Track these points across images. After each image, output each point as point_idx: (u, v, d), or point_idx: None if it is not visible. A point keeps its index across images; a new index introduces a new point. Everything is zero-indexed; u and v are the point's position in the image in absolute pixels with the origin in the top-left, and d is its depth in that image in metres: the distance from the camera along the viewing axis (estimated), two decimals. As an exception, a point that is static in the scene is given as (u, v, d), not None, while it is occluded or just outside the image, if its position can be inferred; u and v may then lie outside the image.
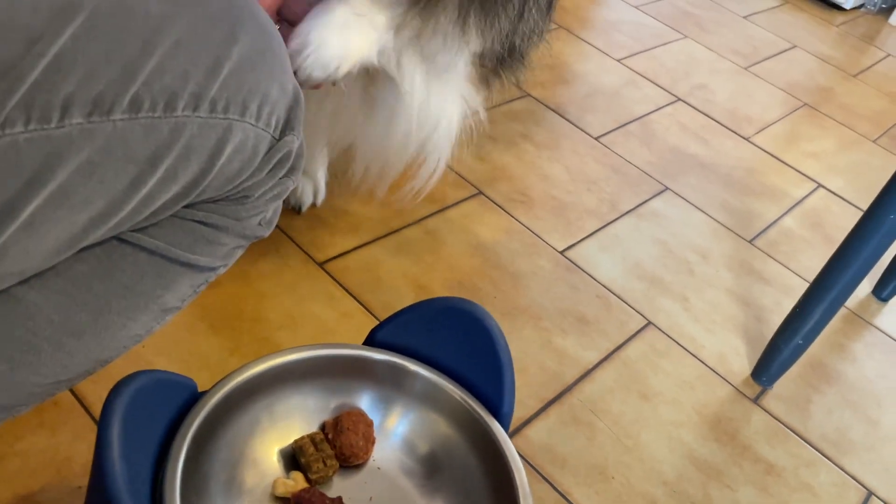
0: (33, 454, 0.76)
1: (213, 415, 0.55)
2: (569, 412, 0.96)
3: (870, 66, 2.01)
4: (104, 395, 0.50)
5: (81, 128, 0.42)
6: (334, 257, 1.08)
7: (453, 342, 0.63)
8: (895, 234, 0.88)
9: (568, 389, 0.99)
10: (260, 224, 0.56)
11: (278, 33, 0.52)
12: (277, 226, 1.10)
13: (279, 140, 0.51)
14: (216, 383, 0.57)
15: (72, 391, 0.84)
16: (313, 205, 1.14)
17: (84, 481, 0.75)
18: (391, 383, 0.62)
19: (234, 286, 1.00)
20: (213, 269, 0.56)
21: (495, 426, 0.60)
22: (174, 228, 0.52)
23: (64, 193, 0.43)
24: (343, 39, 0.64)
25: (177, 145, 0.46)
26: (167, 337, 0.92)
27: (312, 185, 1.14)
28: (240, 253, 0.57)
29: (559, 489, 0.88)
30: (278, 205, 0.57)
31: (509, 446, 0.59)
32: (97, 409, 0.81)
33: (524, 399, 0.97)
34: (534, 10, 0.78)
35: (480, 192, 1.26)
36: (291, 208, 1.12)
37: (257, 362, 0.59)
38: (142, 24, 0.43)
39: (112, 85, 0.42)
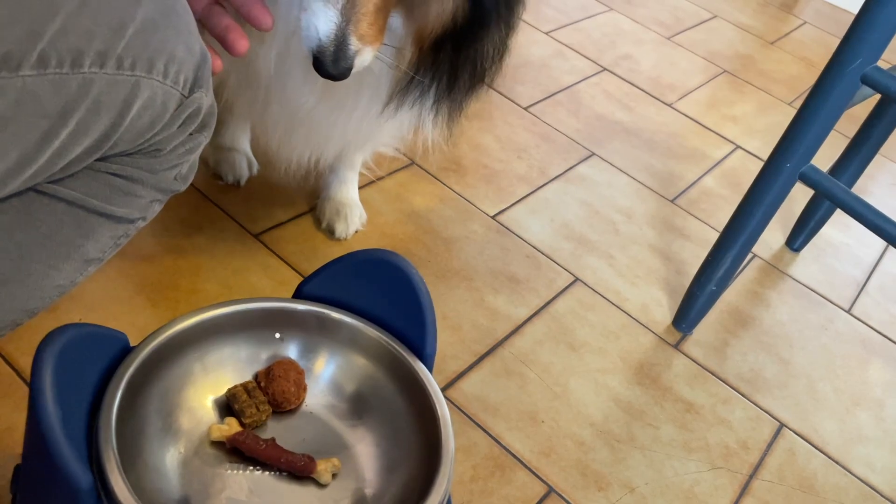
0: (-27, 425, 0.78)
1: (146, 365, 0.58)
2: (500, 364, 1.01)
3: (787, 34, 2.10)
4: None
5: None
6: (269, 228, 1.11)
7: (377, 291, 0.67)
8: (792, 182, 0.94)
9: (499, 344, 1.04)
10: (176, 179, 0.59)
11: None
12: (212, 200, 1.12)
13: (188, 97, 0.54)
14: (147, 336, 0.60)
15: (10, 364, 0.85)
16: (249, 177, 1.16)
17: (26, 449, 0.77)
18: (317, 332, 0.66)
19: (170, 259, 1.02)
20: (131, 221, 0.58)
21: (418, 365, 0.64)
22: (90, 180, 0.54)
23: None
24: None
25: (86, 100, 0.49)
26: (105, 310, 0.93)
27: (246, 159, 1.16)
28: (158, 207, 0.60)
29: (492, 434, 0.92)
30: (193, 161, 0.60)
31: (431, 383, 0.63)
32: (36, 381, 0.82)
33: (458, 354, 1.01)
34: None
35: (413, 163, 1.30)
36: (231, 184, 1.14)
37: (187, 316, 0.62)
38: None
39: (19, 43, 0.45)
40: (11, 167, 0.48)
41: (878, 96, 1.07)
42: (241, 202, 1.13)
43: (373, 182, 1.23)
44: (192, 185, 1.13)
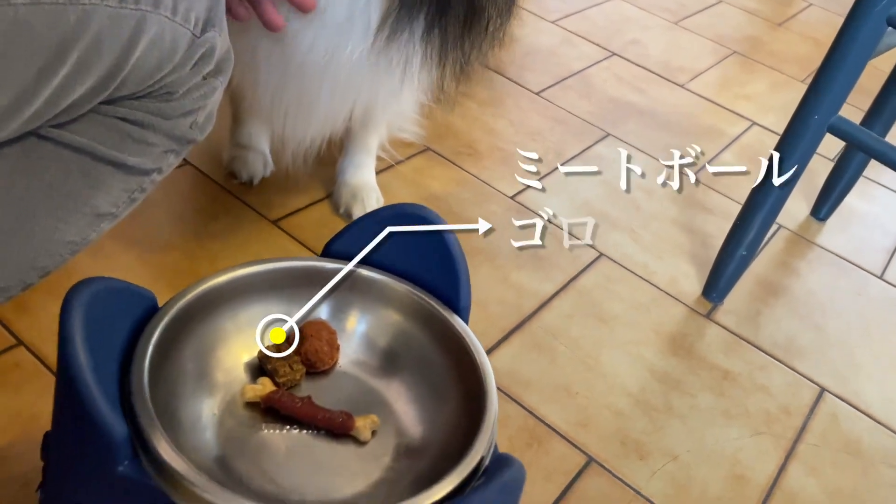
0: (-3, 412, 0.76)
1: (177, 323, 0.56)
2: (530, 339, 0.99)
3: (794, 15, 2.08)
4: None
5: None
6: (288, 215, 1.09)
7: (406, 246, 0.65)
8: (820, 135, 0.92)
9: (528, 319, 1.02)
10: (191, 127, 0.55)
11: None
12: (228, 190, 1.11)
13: (199, 37, 0.51)
14: (176, 294, 0.58)
15: (33, 353, 0.83)
16: (263, 177, 1.14)
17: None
18: (347, 289, 0.64)
19: (189, 247, 1.00)
20: (145, 172, 0.55)
21: (453, 317, 0.62)
22: (97, 125, 0.51)
23: None
24: None
25: (85, 35, 0.45)
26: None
27: (262, 158, 1.14)
28: (173, 159, 0.57)
29: (526, 406, 0.90)
30: (211, 109, 0.56)
31: (468, 333, 0.61)
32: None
33: (486, 331, 0.99)
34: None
35: (428, 148, 1.28)
36: (244, 183, 1.12)
37: (217, 274, 0.60)
38: None
39: None
40: (6, 106, 0.44)
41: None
42: (257, 191, 1.12)
43: (389, 167, 1.21)
44: (207, 175, 1.13)
